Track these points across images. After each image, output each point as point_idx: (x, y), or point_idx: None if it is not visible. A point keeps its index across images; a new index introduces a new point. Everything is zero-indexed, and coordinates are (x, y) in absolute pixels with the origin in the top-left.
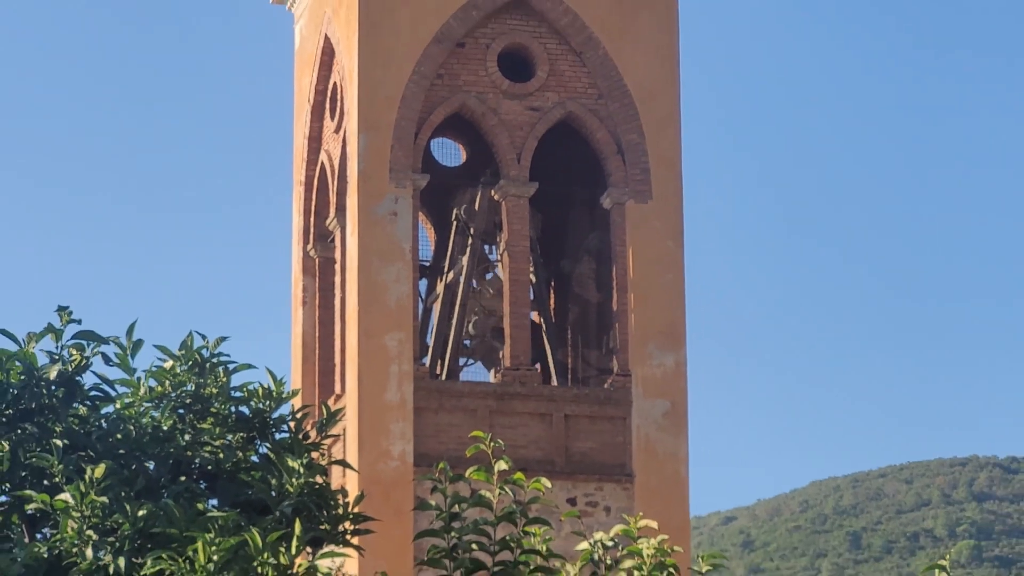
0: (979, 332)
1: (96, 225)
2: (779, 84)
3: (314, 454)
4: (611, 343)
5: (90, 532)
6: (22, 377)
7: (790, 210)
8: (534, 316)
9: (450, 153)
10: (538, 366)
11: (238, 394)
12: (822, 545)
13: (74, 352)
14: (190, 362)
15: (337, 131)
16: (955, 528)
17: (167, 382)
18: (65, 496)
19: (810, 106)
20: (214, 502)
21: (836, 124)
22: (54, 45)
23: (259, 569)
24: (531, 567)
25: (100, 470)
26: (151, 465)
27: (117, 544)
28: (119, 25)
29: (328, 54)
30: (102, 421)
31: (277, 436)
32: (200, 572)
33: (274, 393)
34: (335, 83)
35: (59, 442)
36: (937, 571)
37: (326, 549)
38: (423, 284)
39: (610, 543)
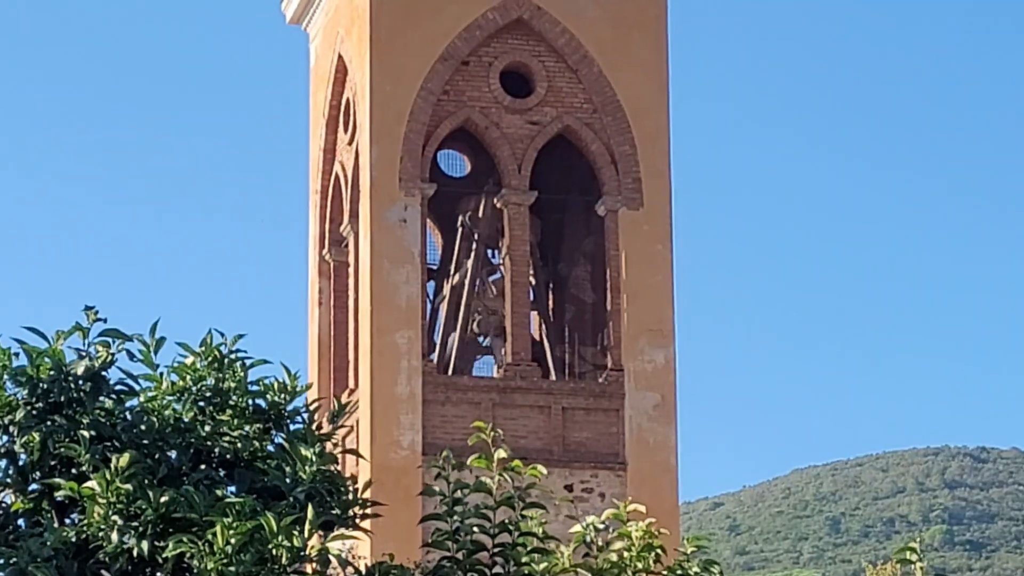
0: (952, 329)
1: (125, 230)
2: (762, 97)
3: (326, 443)
4: (605, 340)
5: (115, 517)
6: (51, 372)
7: (772, 215)
8: (534, 315)
9: (456, 164)
10: (538, 362)
11: (255, 388)
12: (803, 529)
13: (100, 349)
14: (210, 358)
15: (350, 143)
16: (928, 514)
17: (188, 377)
18: (92, 484)
19: (790, 118)
20: (232, 489)
21: (813, 137)
22: (96, 62)
23: (274, 551)
24: (528, 548)
25: (125, 459)
26: (173, 454)
27: (141, 528)
28: (153, 47)
29: (341, 71)
30: (127, 414)
31: (291, 427)
32: (219, 554)
33: (289, 387)
34: (348, 98)
35: (86, 433)
36: (908, 553)
37: (337, 532)
38: (431, 286)
39: (601, 526)
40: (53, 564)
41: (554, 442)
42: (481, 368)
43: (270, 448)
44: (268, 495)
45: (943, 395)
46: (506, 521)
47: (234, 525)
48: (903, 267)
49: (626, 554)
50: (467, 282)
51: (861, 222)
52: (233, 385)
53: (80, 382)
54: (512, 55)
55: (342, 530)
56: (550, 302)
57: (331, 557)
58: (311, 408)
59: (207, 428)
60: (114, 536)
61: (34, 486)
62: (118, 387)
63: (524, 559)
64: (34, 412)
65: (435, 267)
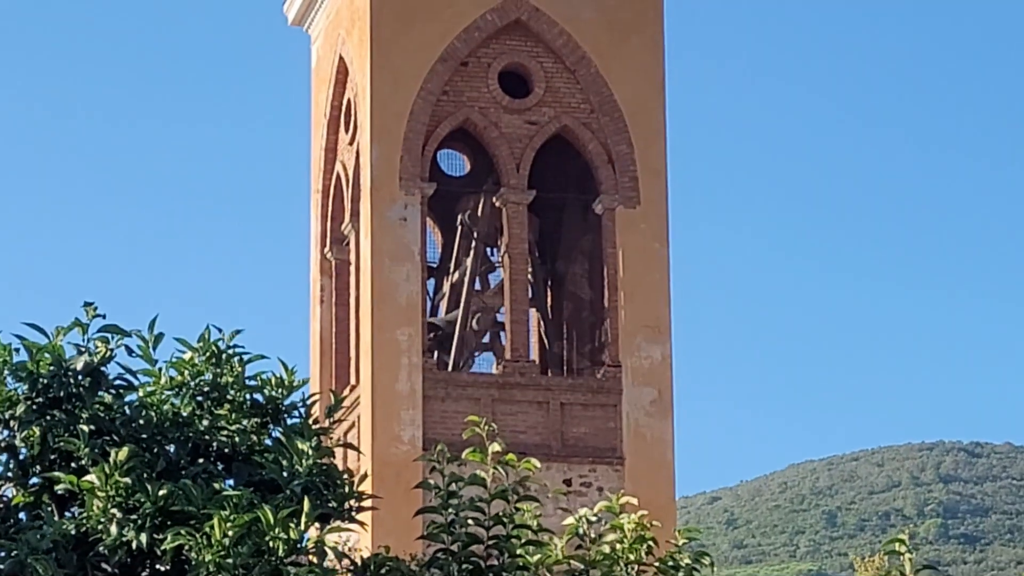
0: (947, 327)
1: (128, 228)
2: (757, 98)
3: (323, 438)
4: (603, 337)
5: (114, 510)
6: (51, 368)
7: (768, 213)
8: (532, 312)
9: (455, 163)
10: (536, 358)
11: (252, 383)
12: (800, 523)
13: (100, 344)
14: (207, 353)
15: (351, 143)
16: (923, 508)
17: (186, 372)
18: (91, 477)
19: (785, 118)
20: (230, 482)
21: (807, 136)
22: (103, 62)
23: (271, 543)
24: (522, 540)
25: (124, 453)
26: (171, 448)
27: (139, 521)
28: (159, 49)
29: (343, 72)
30: (126, 408)
31: (288, 421)
32: (216, 546)
33: (286, 382)
34: (349, 99)
35: (86, 427)
36: (897, 545)
37: (333, 525)
38: (431, 283)
39: (594, 519)
40: (53, 556)
41: (553, 437)
42: (480, 364)
43: (267, 442)
44: (265, 488)
45: (938, 391)
46: (500, 514)
47: (231, 518)
48: (898, 264)
49: (618, 546)
50: (467, 280)
51: (856, 219)
52: (231, 380)
53: (80, 377)
54: (510, 56)
55: (338, 522)
56: (548, 299)
57: (327, 549)
58: (308, 402)
59: (205, 422)
60: (113, 529)
61: (34, 480)
62: (117, 382)
63: (518, 551)
64: (34, 407)
65: (435, 265)
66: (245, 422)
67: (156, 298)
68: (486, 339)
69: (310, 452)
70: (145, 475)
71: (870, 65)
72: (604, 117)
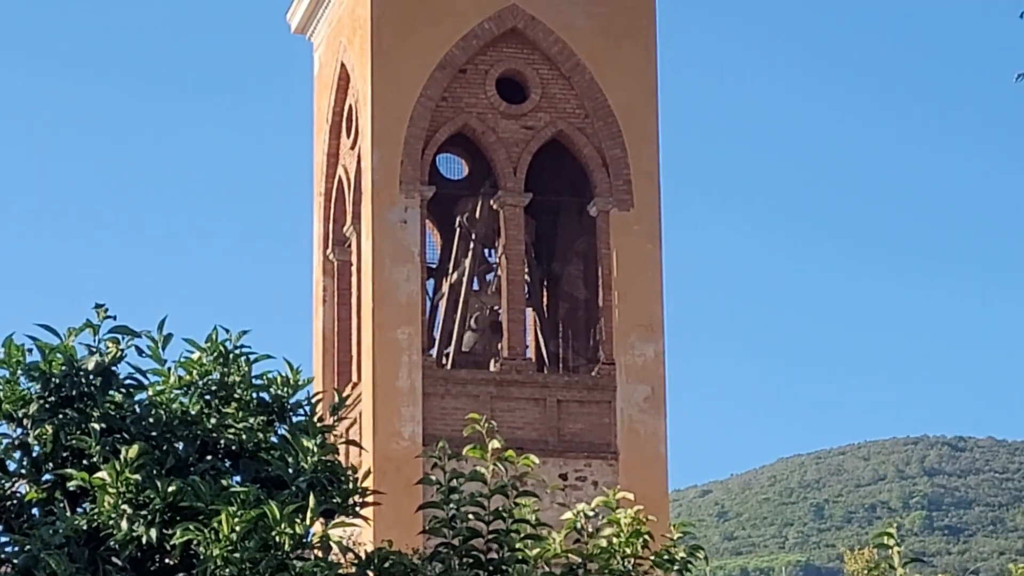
0: (932, 326)
1: (136, 232)
2: (747, 103)
3: (328, 435)
4: (597, 335)
5: (125, 506)
6: (63, 368)
7: (758, 214)
8: (529, 312)
9: (454, 167)
10: (533, 356)
11: (259, 382)
12: (789, 515)
13: (110, 345)
14: (215, 353)
15: (353, 148)
16: (908, 500)
17: (194, 371)
18: (102, 474)
19: (772, 123)
20: (237, 478)
21: (793, 142)
22: (116, 72)
23: (277, 538)
24: (521, 535)
25: (134, 450)
26: (180, 446)
27: (149, 517)
28: (169, 56)
29: (344, 79)
30: (136, 407)
31: (294, 419)
32: (224, 541)
33: (291, 380)
34: (350, 105)
35: (97, 426)
36: (886, 538)
37: (337, 520)
38: (430, 284)
39: (591, 513)
40: (65, 551)
41: (549, 433)
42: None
43: (273, 439)
44: (271, 484)
45: (922, 387)
46: (500, 508)
47: (239, 513)
48: (883, 264)
49: (615, 540)
50: (465, 280)
51: (843, 219)
52: (238, 379)
53: (91, 377)
54: (507, 63)
55: (342, 518)
56: (545, 299)
57: (332, 544)
58: (313, 401)
59: (213, 420)
60: (124, 524)
61: (47, 476)
62: (127, 381)
63: (517, 545)
64: (47, 405)
65: (434, 266)
66: (252, 420)
67: (165, 299)
68: (485, 338)
69: (315, 449)
70: (155, 472)
71: (859, 70)
72: (598, 122)
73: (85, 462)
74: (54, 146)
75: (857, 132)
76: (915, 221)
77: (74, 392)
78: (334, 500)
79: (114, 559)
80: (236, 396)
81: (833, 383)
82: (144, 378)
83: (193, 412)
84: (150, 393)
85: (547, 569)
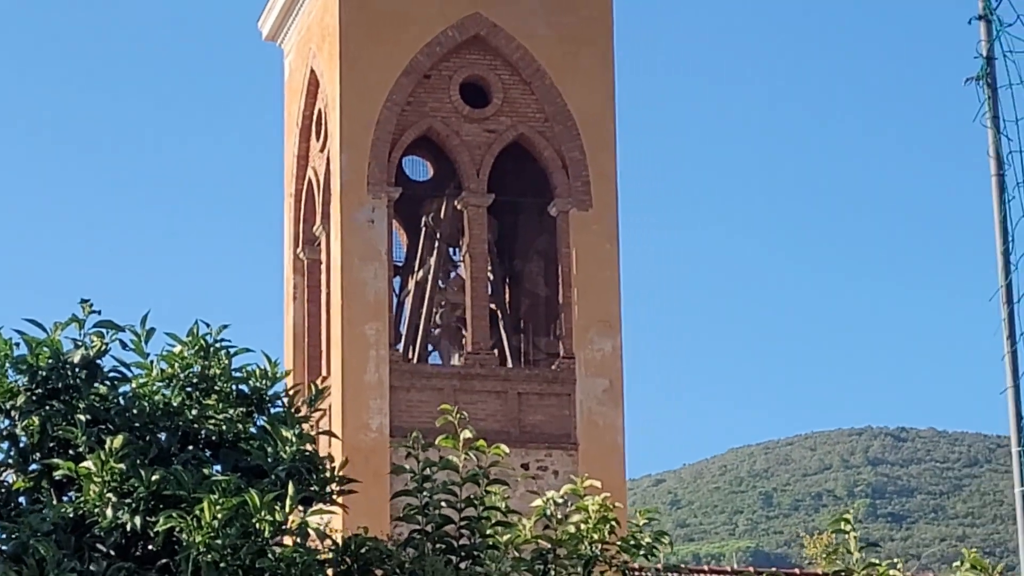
0: (875, 320)
1: (119, 231)
2: (702, 107)
3: (304, 425)
4: (558, 331)
5: (110, 495)
6: (50, 361)
7: (710, 215)
8: (492, 308)
9: (419, 169)
10: (495, 351)
11: (238, 374)
12: (739, 503)
13: (95, 339)
14: (196, 347)
15: (322, 151)
16: (853, 489)
17: (176, 364)
18: (88, 464)
19: (727, 126)
20: (218, 468)
21: (745, 143)
22: (98, 75)
23: (257, 525)
24: (492, 521)
25: (118, 441)
26: (163, 436)
27: (133, 505)
28: (147, 62)
29: (314, 84)
30: (120, 399)
31: (272, 410)
32: (206, 528)
33: (269, 373)
34: (320, 109)
35: (82, 417)
36: (843, 524)
37: (315, 507)
38: (397, 281)
39: (560, 500)
40: (52, 538)
41: (511, 424)
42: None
43: (252, 430)
44: (251, 473)
45: (866, 380)
46: (471, 496)
47: (220, 501)
48: (831, 262)
49: (583, 526)
50: (430, 278)
51: (791, 217)
52: (218, 372)
53: (76, 370)
54: (470, 69)
55: (320, 505)
56: (507, 296)
57: (310, 531)
58: (290, 393)
59: (194, 412)
60: (108, 512)
61: (34, 466)
62: (111, 374)
63: (488, 531)
64: (34, 397)
65: (401, 264)
66: (231, 411)
67: (147, 295)
68: (449, 333)
69: (293, 439)
70: (138, 461)
71: (816, 72)
72: (558, 126)
73: (71, 452)
74: (36, 148)
75: (811, 131)
76: (860, 215)
77: (60, 384)
78: (312, 488)
79: (99, 545)
80: (216, 388)
81: (781, 377)
82: (128, 371)
83: (175, 404)
84: (133, 385)
85: (517, 554)
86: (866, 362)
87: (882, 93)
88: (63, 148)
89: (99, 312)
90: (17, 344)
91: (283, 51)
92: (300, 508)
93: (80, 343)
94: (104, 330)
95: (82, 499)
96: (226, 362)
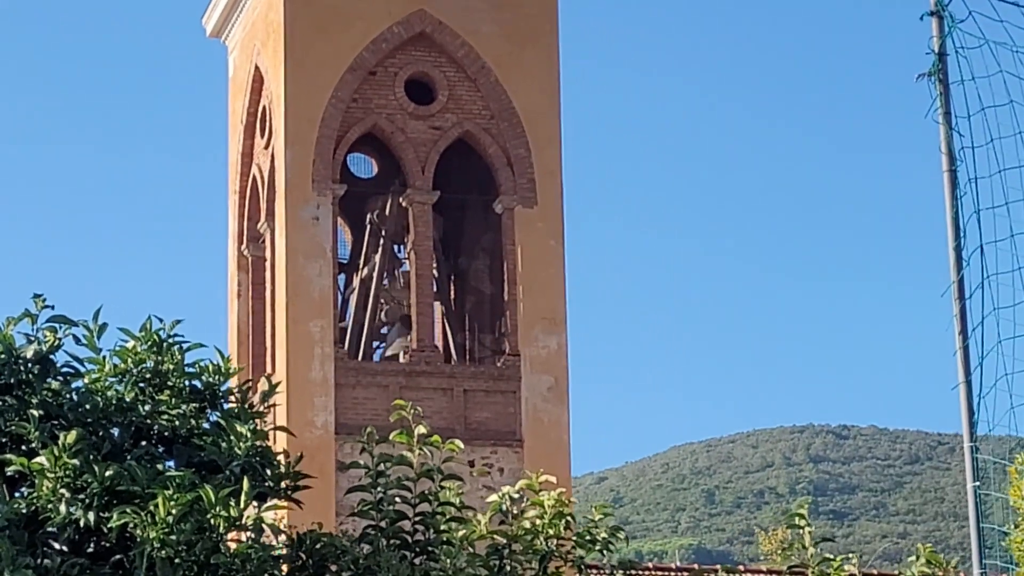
0: (816, 317)
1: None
2: (645, 104)
3: (257, 421)
4: (503, 328)
5: (63, 490)
6: (2, 356)
7: (655, 214)
8: (437, 305)
9: (364, 166)
10: (441, 348)
11: (191, 370)
12: (681, 501)
13: (48, 334)
14: (149, 342)
15: (266, 148)
16: (795, 486)
17: (129, 360)
18: (41, 459)
19: (670, 124)
20: (172, 463)
21: (688, 140)
22: (36, 72)
23: (212, 521)
24: (447, 517)
25: (72, 436)
26: (116, 432)
27: (87, 501)
28: (92, 61)
29: (258, 81)
30: (73, 394)
31: (225, 406)
32: (160, 524)
33: (222, 369)
34: (264, 106)
35: (35, 412)
36: (798, 519)
37: (270, 503)
38: (342, 279)
39: (516, 495)
40: (5, 534)
41: (456, 421)
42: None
43: (206, 425)
44: (205, 469)
45: (808, 378)
46: (426, 492)
47: (174, 497)
48: (772, 260)
49: (538, 521)
50: (375, 275)
51: (731, 214)
52: (171, 367)
53: (29, 365)
54: (416, 66)
55: (275, 501)
56: (452, 293)
57: (264, 526)
58: (244, 388)
59: (147, 407)
60: (62, 508)
61: None
62: (64, 369)
63: (443, 527)
64: None
65: (345, 261)
66: (184, 407)
67: (95, 292)
68: (394, 330)
69: (248, 434)
70: (92, 457)
71: (758, 69)
72: (503, 123)
73: (24, 447)
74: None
75: (759, 127)
76: (806, 210)
77: (13, 380)
78: (266, 484)
79: (53, 542)
80: (169, 384)
81: (723, 374)
82: (81, 366)
83: (128, 399)
84: (87, 381)
85: (472, 550)
86: (808, 359)
87: (833, 88)
88: (7, 147)
89: (52, 307)
90: None
91: (227, 48)
92: (255, 504)
93: (33, 338)
94: (57, 325)
95: (35, 495)
96: (179, 357)
